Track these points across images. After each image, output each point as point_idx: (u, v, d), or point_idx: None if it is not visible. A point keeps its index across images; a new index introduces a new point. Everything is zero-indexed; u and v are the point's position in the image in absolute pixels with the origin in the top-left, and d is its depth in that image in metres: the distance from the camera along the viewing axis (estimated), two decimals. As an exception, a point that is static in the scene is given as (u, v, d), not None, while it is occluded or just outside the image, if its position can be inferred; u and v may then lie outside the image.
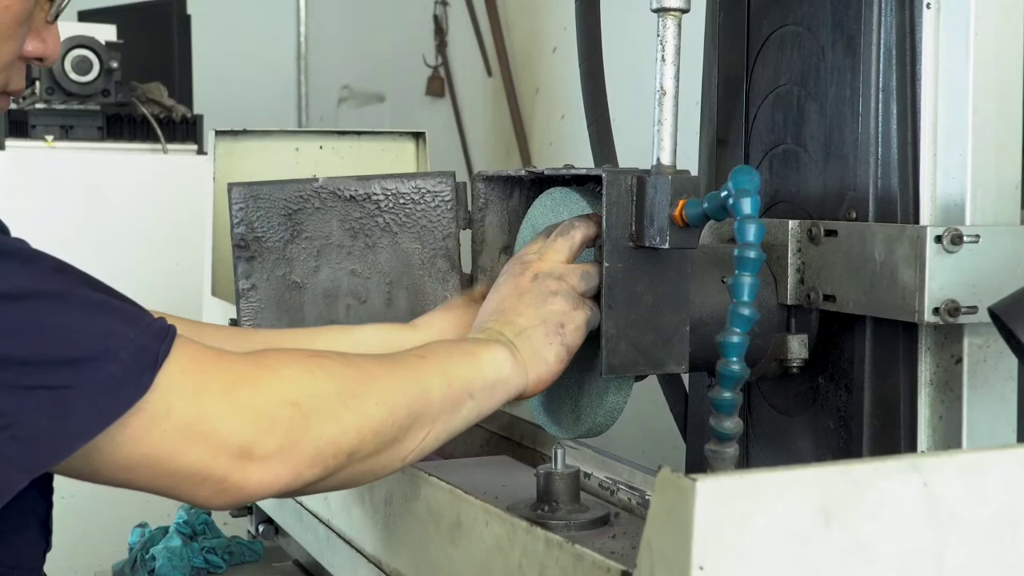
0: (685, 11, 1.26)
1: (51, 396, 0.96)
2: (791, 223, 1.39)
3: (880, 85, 1.33)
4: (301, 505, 1.71)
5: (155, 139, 3.63)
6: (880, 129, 1.33)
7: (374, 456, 1.11)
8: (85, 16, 4.06)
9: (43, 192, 3.45)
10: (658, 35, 1.25)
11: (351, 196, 1.58)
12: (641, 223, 1.25)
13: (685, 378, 1.66)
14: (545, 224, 1.41)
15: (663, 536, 0.84)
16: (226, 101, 4.66)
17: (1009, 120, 1.29)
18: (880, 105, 1.33)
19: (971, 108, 1.27)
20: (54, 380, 0.96)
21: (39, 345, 0.97)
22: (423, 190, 1.58)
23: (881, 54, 1.33)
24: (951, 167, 1.29)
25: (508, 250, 1.55)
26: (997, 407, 1.29)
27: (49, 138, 3.52)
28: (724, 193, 1.16)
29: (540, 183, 1.51)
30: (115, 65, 3.54)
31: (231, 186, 1.59)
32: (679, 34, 1.26)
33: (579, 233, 1.30)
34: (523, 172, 1.47)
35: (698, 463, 1.56)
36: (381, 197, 1.59)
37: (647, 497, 1.47)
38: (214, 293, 2.39)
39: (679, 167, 1.26)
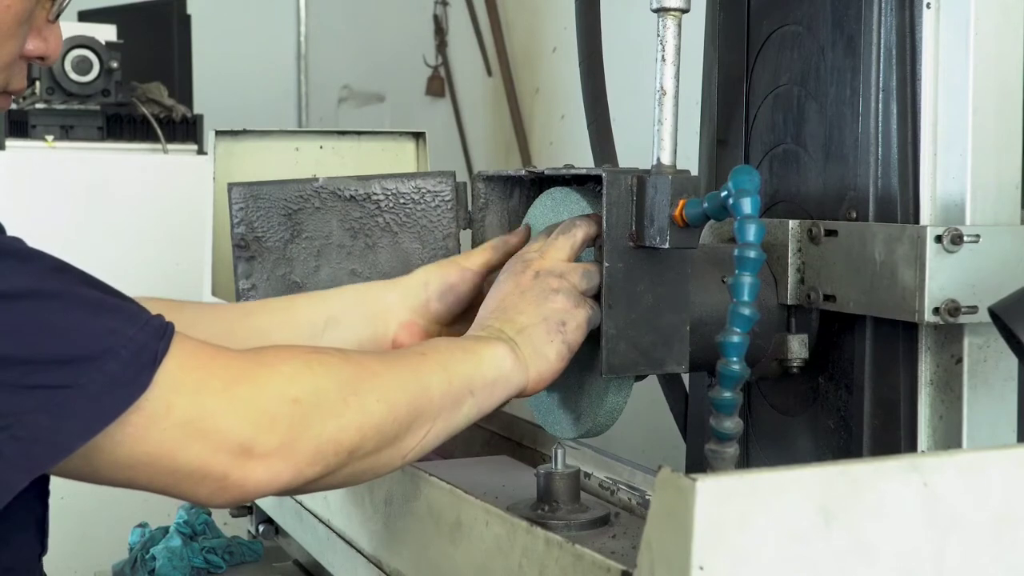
0: (685, 11, 1.26)
1: (51, 396, 0.96)
2: (791, 223, 1.39)
3: (880, 85, 1.33)
4: (301, 505, 1.71)
5: (155, 139, 3.63)
6: (880, 129, 1.33)
7: (375, 454, 1.11)
8: (85, 16, 4.06)
9: (43, 192, 3.45)
10: (658, 35, 1.25)
11: (351, 196, 1.58)
12: (641, 223, 1.25)
13: (685, 378, 1.66)
14: (545, 224, 1.41)
15: (663, 536, 0.84)
16: (226, 101, 4.66)
17: (1009, 120, 1.29)
18: (880, 105, 1.33)
19: (971, 108, 1.27)
20: (54, 379, 0.96)
21: (39, 344, 0.97)
22: (423, 190, 1.58)
23: (881, 54, 1.33)
24: (951, 167, 1.29)
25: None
26: (997, 407, 1.29)
27: (49, 138, 3.52)
28: (724, 193, 1.16)
29: (540, 183, 1.51)
30: (115, 65, 3.53)
31: (231, 186, 1.59)
32: (679, 34, 1.26)
33: (581, 232, 1.30)
34: (523, 172, 1.47)
35: (698, 463, 1.56)
36: (381, 197, 1.59)
37: (647, 497, 1.47)
38: (214, 293, 2.39)
39: (679, 167, 1.26)
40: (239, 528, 2.18)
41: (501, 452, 1.83)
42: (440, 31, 5.24)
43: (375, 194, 1.58)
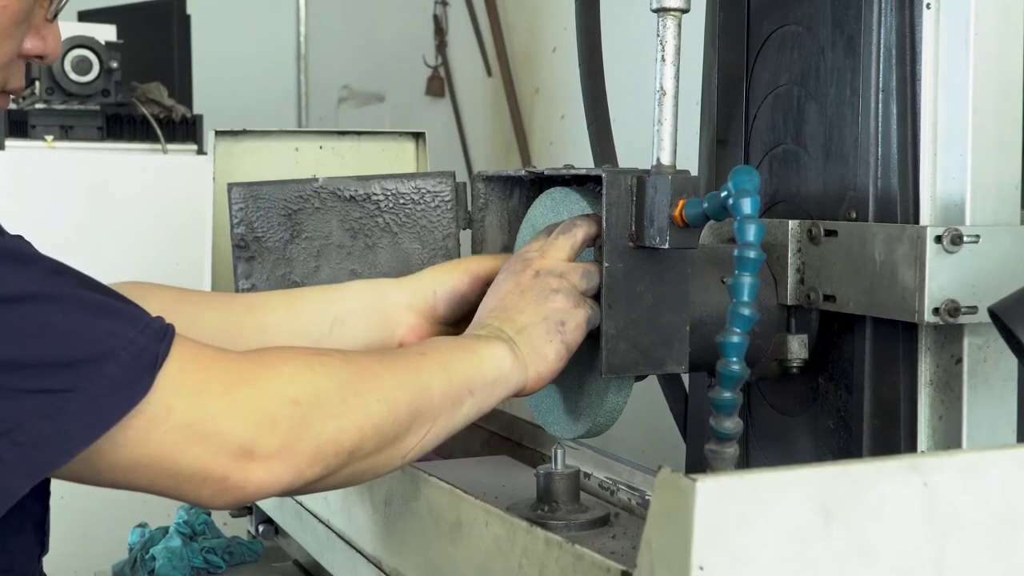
0: (685, 11, 1.26)
1: (52, 400, 0.96)
2: (791, 223, 1.39)
3: (880, 85, 1.33)
4: (301, 505, 1.71)
5: (155, 139, 3.63)
6: (880, 129, 1.33)
7: (375, 454, 1.11)
8: (85, 16, 4.06)
9: (43, 192, 3.45)
10: (658, 35, 1.25)
11: (351, 196, 1.58)
12: (641, 223, 1.25)
13: (685, 378, 1.66)
14: (545, 224, 1.41)
15: (663, 536, 0.84)
16: (226, 101, 4.66)
17: (1009, 120, 1.29)
18: (880, 105, 1.33)
19: (971, 108, 1.27)
20: (54, 383, 0.96)
21: (39, 348, 0.96)
22: (423, 190, 1.58)
23: (881, 54, 1.33)
24: (951, 167, 1.29)
25: (508, 250, 1.55)
26: (997, 407, 1.29)
27: (49, 138, 3.52)
28: (724, 193, 1.16)
29: (540, 183, 1.51)
30: (115, 65, 3.53)
31: (231, 186, 1.59)
32: (679, 34, 1.26)
33: (581, 232, 1.30)
34: (523, 172, 1.47)
35: (698, 463, 1.56)
36: (381, 197, 1.59)
37: (647, 497, 1.47)
38: (214, 293, 2.39)
39: (679, 167, 1.26)
40: (239, 528, 2.18)
41: (501, 452, 1.83)
42: (440, 31, 5.23)
43: (375, 194, 1.58)
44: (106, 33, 3.69)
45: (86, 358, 0.97)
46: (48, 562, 1.22)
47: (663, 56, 1.25)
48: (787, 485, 0.83)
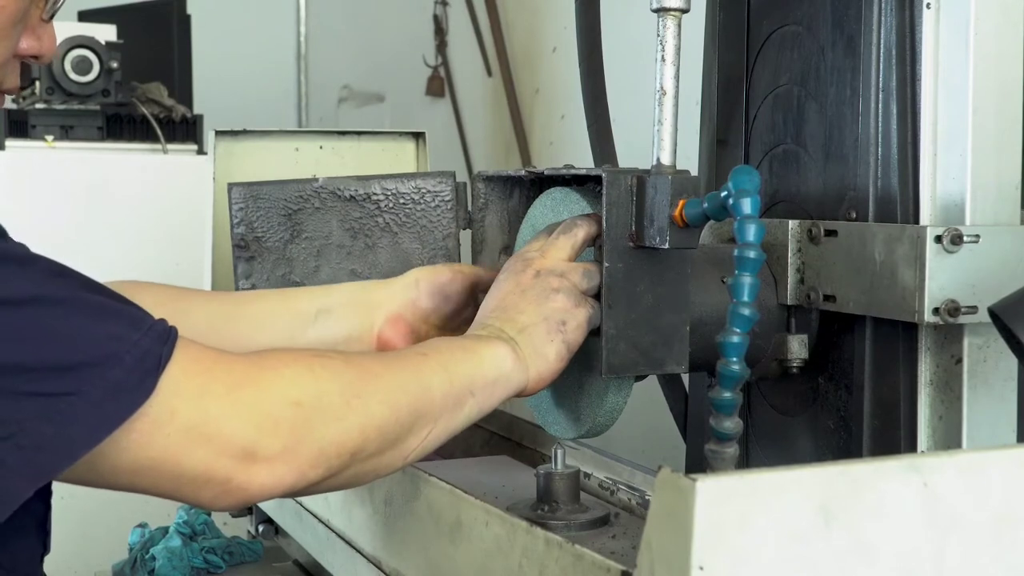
0: (685, 11, 1.26)
1: (55, 403, 0.96)
2: (791, 223, 1.39)
3: (880, 85, 1.33)
4: (301, 505, 1.71)
5: (155, 139, 3.63)
6: (880, 129, 1.33)
7: (377, 456, 1.11)
8: (85, 16, 4.06)
9: (43, 192, 3.45)
10: (658, 35, 1.25)
11: (351, 196, 1.58)
12: (641, 223, 1.25)
13: (685, 378, 1.66)
14: (545, 224, 1.41)
15: (663, 536, 0.84)
16: (226, 101, 4.66)
17: (1009, 120, 1.29)
18: (880, 105, 1.33)
19: (971, 108, 1.27)
20: (57, 387, 0.96)
21: (41, 351, 0.96)
22: (423, 190, 1.58)
23: (881, 54, 1.33)
24: (951, 167, 1.29)
25: (508, 250, 1.55)
26: (997, 407, 1.29)
27: (49, 138, 3.52)
28: (724, 193, 1.16)
29: (540, 183, 1.51)
30: (115, 65, 3.53)
31: (231, 186, 1.59)
32: (679, 34, 1.26)
33: (582, 231, 1.30)
34: (523, 172, 1.47)
35: (698, 463, 1.56)
36: (381, 197, 1.59)
37: (647, 497, 1.47)
38: (214, 293, 2.39)
39: (679, 167, 1.26)
40: (239, 528, 2.18)
41: (501, 452, 1.83)
42: (440, 31, 5.23)
43: (375, 194, 1.58)
44: (106, 33, 3.69)
45: (89, 361, 0.97)
46: (48, 562, 1.22)
47: (663, 56, 1.25)
48: (787, 485, 0.83)
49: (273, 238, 1.58)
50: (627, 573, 0.93)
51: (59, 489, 1.17)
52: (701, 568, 0.80)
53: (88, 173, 3.50)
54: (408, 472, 1.31)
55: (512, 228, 1.55)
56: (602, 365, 1.27)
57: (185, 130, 3.70)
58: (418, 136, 2.50)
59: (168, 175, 3.57)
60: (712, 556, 0.80)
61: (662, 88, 1.26)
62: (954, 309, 1.22)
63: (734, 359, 1.13)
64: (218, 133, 2.36)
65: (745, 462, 1.46)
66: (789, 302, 1.40)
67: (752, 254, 1.13)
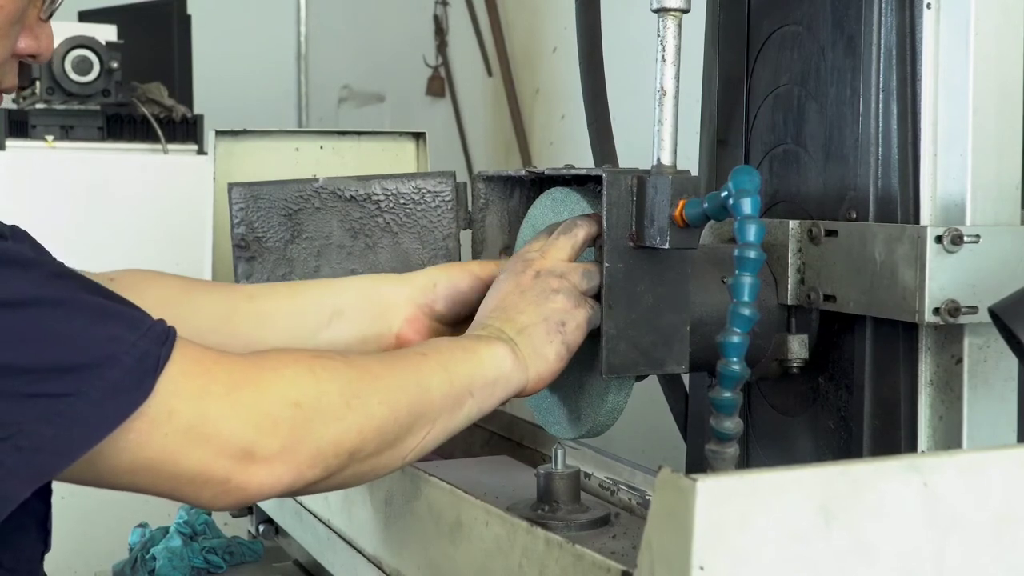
0: (685, 11, 1.26)
1: (54, 404, 0.96)
2: (791, 223, 1.39)
3: (880, 85, 1.33)
4: (301, 505, 1.71)
5: (155, 139, 3.63)
6: (880, 129, 1.33)
7: (376, 456, 1.11)
8: (85, 16, 4.06)
9: (43, 192, 3.45)
10: (658, 35, 1.25)
11: (351, 196, 1.58)
12: (641, 223, 1.25)
13: (685, 378, 1.66)
14: (545, 224, 1.41)
15: (663, 536, 0.84)
16: (226, 101, 4.65)
17: (1009, 120, 1.29)
18: (880, 105, 1.33)
19: (971, 108, 1.27)
20: (57, 388, 0.96)
21: (41, 353, 0.96)
22: (423, 190, 1.58)
23: (881, 54, 1.33)
24: (951, 167, 1.29)
25: (508, 250, 1.55)
26: (997, 407, 1.29)
27: (49, 138, 3.52)
28: (724, 193, 1.16)
29: (540, 183, 1.51)
30: (115, 65, 3.53)
31: (231, 186, 1.59)
32: (679, 34, 1.26)
33: (582, 232, 1.30)
34: (523, 172, 1.47)
35: (698, 463, 1.56)
36: (381, 197, 1.59)
37: (647, 497, 1.47)
38: (214, 293, 2.38)
39: (679, 167, 1.26)
40: (239, 528, 2.18)
41: (501, 452, 1.83)
42: (440, 31, 5.23)
43: (375, 194, 1.58)
44: (106, 33, 3.69)
45: (88, 362, 0.97)
46: (48, 562, 1.22)
47: (663, 56, 1.25)
48: (787, 485, 0.83)
49: (273, 238, 1.58)
50: (627, 573, 0.93)
51: (59, 489, 1.17)
52: (701, 568, 0.80)
53: (88, 173, 3.50)
54: (408, 472, 1.31)
55: (512, 228, 1.55)
56: (602, 365, 1.27)
57: (185, 130, 3.70)
58: (418, 136, 2.50)
59: (168, 175, 3.57)
60: (712, 556, 0.80)
61: (662, 88, 1.26)
62: (954, 309, 1.22)
63: (734, 359, 1.13)
64: (218, 133, 2.36)
65: (745, 462, 1.46)
66: (789, 302, 1.40)
67: (752, 254, 1.13)
